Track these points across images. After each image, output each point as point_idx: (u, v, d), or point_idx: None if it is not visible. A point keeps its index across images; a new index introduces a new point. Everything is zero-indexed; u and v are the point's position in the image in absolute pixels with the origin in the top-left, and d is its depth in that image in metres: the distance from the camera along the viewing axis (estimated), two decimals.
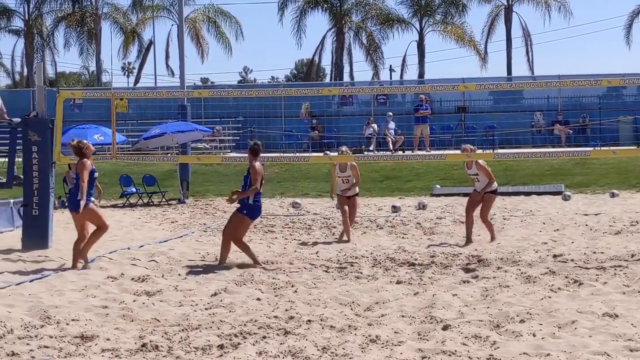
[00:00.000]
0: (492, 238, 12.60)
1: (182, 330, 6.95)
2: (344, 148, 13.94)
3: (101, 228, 10.59)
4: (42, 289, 8.98)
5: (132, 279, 9.55)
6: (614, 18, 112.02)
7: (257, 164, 10.74)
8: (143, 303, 8.13)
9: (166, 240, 13.39)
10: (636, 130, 29.99)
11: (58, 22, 46.19)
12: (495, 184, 12.89)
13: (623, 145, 26.73)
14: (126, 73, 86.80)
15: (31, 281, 9.47)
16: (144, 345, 6.40)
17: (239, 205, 10.77)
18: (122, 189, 21.33)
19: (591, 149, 20.10)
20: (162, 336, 6.74)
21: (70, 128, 22.15)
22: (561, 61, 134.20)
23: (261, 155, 11.10)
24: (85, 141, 10.86)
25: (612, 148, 20.91)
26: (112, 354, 6.24)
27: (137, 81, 52.06)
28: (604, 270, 9.55)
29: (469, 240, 12.50)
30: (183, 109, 23.16)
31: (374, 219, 16.34)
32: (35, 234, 12.19)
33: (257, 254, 11.05)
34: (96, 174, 10.73)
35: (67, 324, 7.17)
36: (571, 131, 31.26)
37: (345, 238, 13.04)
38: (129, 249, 12.12)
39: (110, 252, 11.65)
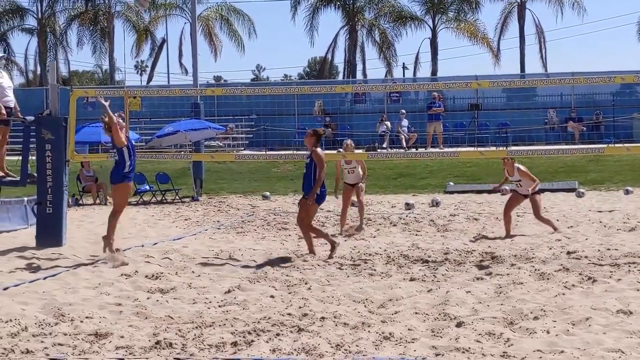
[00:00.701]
0: (554, 229, 12.94)
1: (196, 327, 6.96)
2: (348, 141, 14.09)
3: (116, 211, 10.97)
4: (56, 286, 9.02)
5: (146, 276, 9.57)
6: (628, 15, 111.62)
7: (320, 150, 10.98)
8: (157, 300, 8.15)
9: (180, 238, 13.43)
10: None
11: (71, 20, 46.37)
12: (539, 184, 13.26)
13: (637, 142, 26.61)
14: (139, 71, 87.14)
15: (45, 279, 9.51)
16: (157, 342, 6.42)
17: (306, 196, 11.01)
18: (136, 186, 21.35)
19: (605, 146, 20.02)
20: (176, 333, 6.76)
21: (83, 126, 22.26)
22: (574, 58, 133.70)
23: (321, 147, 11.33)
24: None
25: (626, 145, 20.81)
26: (126, 351, 6.26)
27: (150, 79, 52.22)
28: (618, 267, 9.51)
29: (508, 234, 12.79)
30: (196, 107, 23.23)
31: (388, 216, 16.32)
32: (49, 231, 12.24)
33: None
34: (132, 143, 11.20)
35: (81, 322, 7.20)
36: (585, 128, 31.13)
37: (349, 232, 13.42)
38: (142, 246, 12.16)
39: (124, 250, 11.68)
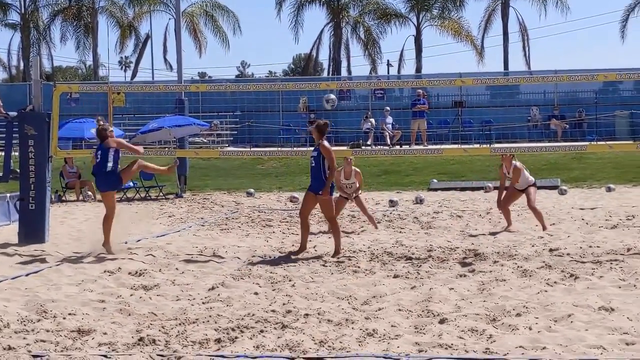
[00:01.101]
0: (543, 227, 13.02)
1: (180, 324, 6.96)
2: (351, 157, 13.86)
3: (108, 216, 11.16)
4: (38, 283, 8.99)
5: (129, 273, 9.55)
6: (611, 13, 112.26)
7: (327, 143, 10.89)
8: (140, 297, 8.13)
9: (163, 235, 13.40)
10: (632, 124, 30.01)
11: (54, 15, 46.12)
12: (532, 179, 13.47)
13: (619, 140, 26.77)
14: (123, 67, 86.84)
15: (27, 275, 9.47)
16: (141, 339, 6.41)
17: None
18: None
19: (587, 143, 20.15)
20: (159, 330, 6.75)
21: (67, 122, 22.15)
22: (558, 56, 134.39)
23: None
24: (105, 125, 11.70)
25: (608, 142, 20.94)
26: (109, 348, 6.25)
27: (134, 75, 52.04)
28: (600, 264, 9.58)
29: (509, 224, 13.22)
30: (180, 103, 23.15)
31: (372, 213, 16.33)
32: (32, 228, 12.18)
33: (255, 248, 11.03)
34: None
35: (64, 318, 7.18)
36: (567, 126, 31.30)
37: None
38: (126, 243, 12.12)
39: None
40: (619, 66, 29.58)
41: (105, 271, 9.68)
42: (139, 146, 11.59)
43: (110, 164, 11.10)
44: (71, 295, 8.22)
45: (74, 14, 45.39)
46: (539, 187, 20.52)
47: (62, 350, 6.20)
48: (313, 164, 10.88)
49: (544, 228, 13.02)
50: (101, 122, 11.46)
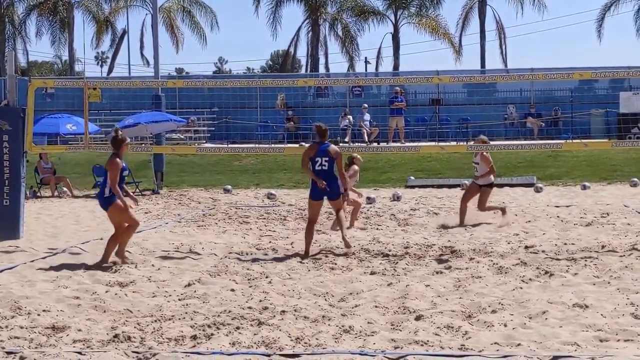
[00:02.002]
0: (503, 213, 13.60)
1: (155, 321, 6.93)
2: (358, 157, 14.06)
3: (131, 226, 10.04)
4: (12, 279, 8.91)
5: (105, 269, 9.49)
6: (587, 12, 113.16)
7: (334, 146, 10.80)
8: (115, 294, 8.09)
9: (140, 231, 13.29)
10: (607, 123, 30.28)
11: (30, 10, 45.73)
12: (491, 178, 13.62)
13: (594, 138, 26.99)
14: (99, 62, 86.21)
15: (1, 272, 9.38)
16: (116, 336, 6.38)
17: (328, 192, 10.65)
18: (95, 179, 21.17)
19: (563, 141, 20.27)
20: (135, 327, 6.72)
21: (42, 117, 21.99)
22: (534, 54, 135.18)
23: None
24: (124, 136, 10.32)
25: (583, 141, 21.11)
26: (83, 344, 6.21)
27: (110, 71, 51.77)
28: (575, 262, 9.65)
29: (461, 224, 13.31)
30: (157, 99, 23.04)
31: (349, 210, 16.35)
32: (6, 224, 12.08)
33: (237, 244, 10.96)
34: (125, 173, 10.20)
35: (38, 315, 7.12)
36: (543, 124, 31.52)
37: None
38: (101, 239, 12.03)
39: (83, 243, 11.59)
40: (596, 65, 29.81)
41: (80, 267, 9.61)
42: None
43: (107, 188, 9.91)
44: (46, 292, 8.16)
45: (50, 9, 45.04)
46: (515, 185, 20.77)
47: (36, 347, 6.15)
48: (325, 168, 10.59)
49: (504, 213, 13.52)
50: (120, 132, 10.32)
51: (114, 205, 9.78)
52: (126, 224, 9.94)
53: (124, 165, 10.01)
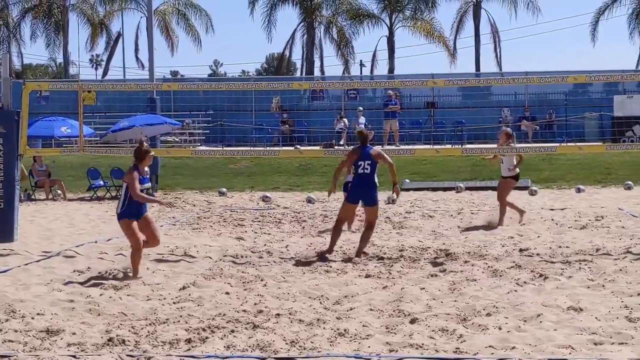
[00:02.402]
0: (521, 215, 13.95)
1: (150, 324, 6.91)
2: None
3: (131, 246, 9.32)
4: (7, 282, 8.88)
5: (99, 272, 9.48)
6: (581, 15, 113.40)
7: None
8: (110, 297, 8.07)
9: None
10: (601, 126, 30.35)
11: (25, 13, 45.68)
12: (516, 170, 14.01)
13: (588, 142, 27.06)
14: (94, 65, 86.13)
15: None
16: (110, 339, 6.36)
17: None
18: (90, 182, 21.14)
19: (557, 144, 20.33)
20: (129, 330, 6.71)
21: (36, 120, 21.94)
22: (528, 58, 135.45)
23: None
24: (149, 147, 9.71)
25: (578, 144, 21.18)
26: (77, 348, 6.20)
27: (105, 73, 51.69)
28: (569, 265, 9.66)
29: (521, 215, 13.91)
30: (152, 102, 23.02)
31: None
32: (0, 227, 12.03)
33: (225, 248, 10.95)
34: (147, 185, 9.53)
35: (32, 318, 7.10)
36: (538, 127, 31.57)
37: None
38: (96, 242, 12.03)
39: (77, 246, 11.56)
40: (590, 68, 29.88)
41: (74, 271, 9.59)
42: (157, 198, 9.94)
43: (121, 202, 9.33)
44: (40, 295, 8.14)
45: (45, 12, 44.98)
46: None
47: (30, 351, 6.13)
48: (367, 171, 10.71)
49: (521, 215, 13.88)
50: (145, 143, 9.73)
51: (122, 222, 9.29)
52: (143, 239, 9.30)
53: (145, 177, 9.44)
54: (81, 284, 8.86)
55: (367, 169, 10.68)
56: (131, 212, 9.23)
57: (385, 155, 10.88)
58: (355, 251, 10.94)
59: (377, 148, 11.00)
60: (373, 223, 11.01)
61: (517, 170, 13.96)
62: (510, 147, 14.03)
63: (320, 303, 7.80)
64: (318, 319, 7.04)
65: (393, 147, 26.52)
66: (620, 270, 9.15)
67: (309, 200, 18.70)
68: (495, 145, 16.49)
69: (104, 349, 6.16)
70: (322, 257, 10.51)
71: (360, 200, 10.96)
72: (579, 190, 19.93)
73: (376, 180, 10.78)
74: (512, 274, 9.08)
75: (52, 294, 8.25)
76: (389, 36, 44.10)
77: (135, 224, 9.23)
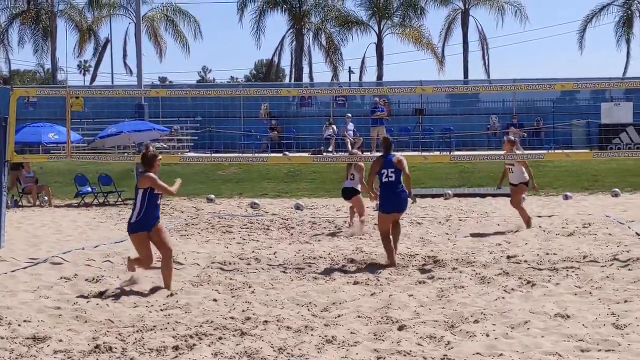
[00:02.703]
0: (527, 224, 14.11)
1: (137, 331, 6.89)
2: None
3: (139, 260, 9.02)
4: None
5: (86, 279, 9.44)
6: (568, 23, 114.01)
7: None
8: (97, 304, 8.04)
9: (122, 241, 13.23)
10: (589, 133, 30.49)
11: (12, 19, 45.49)
12: (526, 176, 14.33)
13: (576, 149, 27.17)
14: (82, 71, 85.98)
15: None
16: (97, 346, 6.34)
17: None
18: (77, 188, 21.07)
19: (545, 151, 20.40)
20: (116, 337, 6.68)
21: (24, 126, 21.87)
22: (516, 65, 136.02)
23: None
24: (155, 151, 9.09)
25: (565, 151, 21.25)
26: (64, 355, 6.17)
27: (93, 79, 51.53)
28: (557, 272, 9.69)
29: (526, 222, 14.15)
30: (140, 108, 23.01)
31: (333, 219, 16.37)
32: None
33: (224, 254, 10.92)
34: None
35: (19, 325, 7.07)
36: (525, 134, 31.68)
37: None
38: (83, 249, 11.98)
39: (64, 252, 11.51)
40: (578, 76, 30.01)
41: (61, 277, 9.55)
42: (172, 187, 9.16)
43: (137, 211, 8.85)
44: (27, 302, 8.10)
45: (33, 17, 44.83)
46: (497, 195, 20.83)
47: (16, 358, 6.11)
48: (392, 179, 10.62)
49: (528, 225, 14.04)
50: (151, 148, 9.18)
51: (134, 236, 8.89)
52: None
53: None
54: (68, 291, 8.82)
55: (391, 176, 10.58)
56: (145, 223, 8.78)
57: (406, 165, 10.70)
58: (344, 257, 10.93)
59: (399, 155, 10.85)
60: (398, 221, 10.93)
61: (526, 176, 14.24)
62: (517, 154, 14.31)
63: (308, 310, 7.79)
64: (306, 326, 7.04)
65: (381, 153, 26.56)
66: (607, 277, 9.19)
67: (298, 207, 18.71)
68: (481, 152, 16.56)
69: (91, 356, 6.14)
70: (391, 262, 10.38)
71: (395, 210, 10.67)
72: (566, 197, 20.01)
73: (402, 184, 10.65)
74: (500, 281, 9.10)
75: (39, 300, 8.22)
76: (377, 43, 44.18)
77: (147, 238, 8.82)
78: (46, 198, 20.26)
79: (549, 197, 20.81)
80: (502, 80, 32.08)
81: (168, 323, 7.16)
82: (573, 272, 9.63)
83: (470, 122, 31.81)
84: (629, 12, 42.59)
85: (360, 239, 13.43)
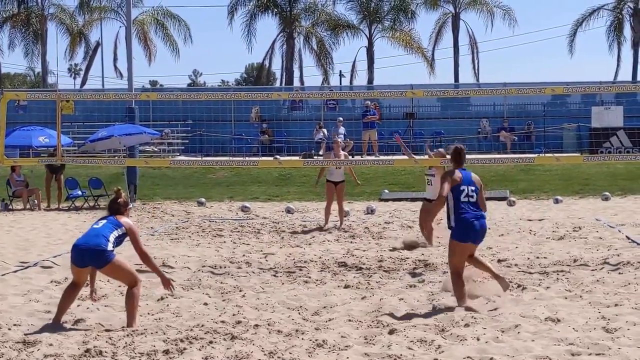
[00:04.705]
0: (429, 243, 12.49)
1: (127, 335, 6.87)
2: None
3: (134, 285, 7.47)
4: None
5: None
6: (558, 27, 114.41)
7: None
8: (87, 308, 8.02)
9: None
10: (579, 137, 30.57)
11: (3, 22, 45.31)
12: (443, 196, 12.01)
13: (566, 152, 27.21)
14: (73, 75, 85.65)
15: None
16: (87, 350, 6.32)
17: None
18: (68, 191, 21.00)
19: (535, 155, 20.44)
20: (107, 341, 6.66)
21: (14, 130, 21.78)
22: (506, 69, 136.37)
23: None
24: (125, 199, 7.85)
25: (556, 155, 21.27)
26: (55, 359, 6.15)
27: (84, 83, 51.38)
28: (547, 275, 9.72)
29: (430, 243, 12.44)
30: (131, 112, 22.95)
31: (324, 224, 16.36)
32: None
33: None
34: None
35: (9, 329, 7.04)
36: (516, 138, 31.75)
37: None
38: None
39: (55, 256, 11.47)
40: (567, 80, 30.12)
41: (52, 281, 9.52)
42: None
43: (110, 244, 7.42)
44: (17, 306, 8.07)
45: (23, 21, 44.68)
46: (489, 199, 20.85)
47: None
48: (473, 200, 8.22)
49: (429, 244, 12.37)
50: (122, 193, 7.85)
51: (113, 262, 7.44)
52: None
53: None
54: (58, 294, 8.78)
55: (472, 196, 8.18)
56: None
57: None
58: (335, 261, 10.94)
59: (477, 176, 8.47)
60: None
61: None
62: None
63: (299, 314, 7.79)
64: (297, 330, 7.03)
65: (372, 157, 26.60)
66: (598, 281, 9.22)
67: (288, 211, 18.70)
68: (472, 156, 16.51)
69: None
70: (465, 308, 7.83)
71: (477, 241, 8.24)
72: (556, 201, 20.05)
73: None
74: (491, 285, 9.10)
75: (29, 304, 8.19)
76: (368, 47, 44.21)
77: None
78: (36, 201, 20.19)
79: (540, 200, 20.86)
80: (493, 84, 32.12)
81: (158, 327, 7.14)
82: (563, 275, 9.65)
83: (461, 126, 31.85)
84: (620, 16, 42.74)
85: (352, 242, 13.43)
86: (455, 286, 8.05)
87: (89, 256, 7.30)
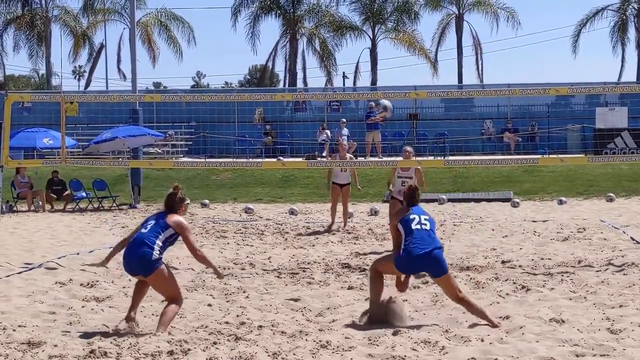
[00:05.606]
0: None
1: (132, 336, 6.88)
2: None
3: (174, 300, 7.17)
4: None
5: (81, 284, 9.42)
6: (562, 28, 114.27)
7: None
8: (92, 309, 8.03)
9: None
10: (584, 138, 30.53)
11: (7, 24, 45.41)
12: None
13: (571, 153, 27.19)
14: (77, 76, 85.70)
15: None
16: (92, 351, 6.33)
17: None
18: (72, 193, 21.04)
19: (540, 156, 20.41)
20: (111, 342, 6.67)
21: (18, 131, 21.83)
22: (510, 70, 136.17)
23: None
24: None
25: (560, 156, 21.26)
26: None
27: (87, 85, 51.46)
28: (551, 276, 9.71)
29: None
30: (135, 113, 22.97)
31: (327, 224, 16.36)
32: None
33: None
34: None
35: (14, 330, 7.05)
36: (520, 139, 31.72)
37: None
38: (78, 254, 11.96)
39: (59, 257, 11.48)
40: (571, 80, 30.10)
41: (56, 282, 9.53)
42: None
43: (156, 252, 7.08)
44: (21, 307, 8.08)
45: (27, 23, 44.75)
46: (492, 200, 20.85)
47: None
48: (425, 227, 7.64)
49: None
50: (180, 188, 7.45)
51: (158, 271, 7.14)
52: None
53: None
54: (63, 295, 8.80)
55: (425, 224, 7.71)
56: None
57: None
58: (338, 262, 10.93)
59: None
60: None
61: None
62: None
63: (303, 315, 7.79)
64: (300, 331, 7.03)
65: (376, 158, 26.60)
66: (602, 282, 9.21)
67: (292, 212, 18.71)
68: (476, 157, 16.49)
69: None
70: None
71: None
72: (561, 202, 20.03)
73: None
74: (495, 286, 9.11)
75: (34, 305, 8.20)
76: (371, 48, 44.22)
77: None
78: (40, 203, 20.22)
79: (544, 202, 20.83)
80: (496, 85, 32.12)
81: None
82: (568, 277, 9.64)
83: (465, 127, 31.84)
84: (624, 17, 42.68)
85: (355, 243, 13.42)
86: (372, 285, 7.53)
87: (137, 265, 7.12)
